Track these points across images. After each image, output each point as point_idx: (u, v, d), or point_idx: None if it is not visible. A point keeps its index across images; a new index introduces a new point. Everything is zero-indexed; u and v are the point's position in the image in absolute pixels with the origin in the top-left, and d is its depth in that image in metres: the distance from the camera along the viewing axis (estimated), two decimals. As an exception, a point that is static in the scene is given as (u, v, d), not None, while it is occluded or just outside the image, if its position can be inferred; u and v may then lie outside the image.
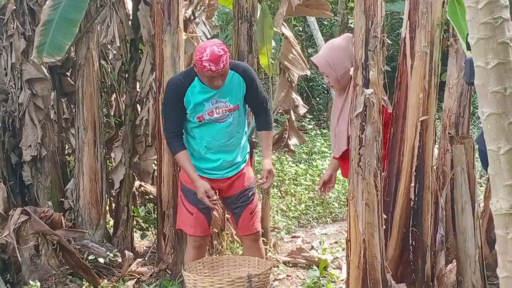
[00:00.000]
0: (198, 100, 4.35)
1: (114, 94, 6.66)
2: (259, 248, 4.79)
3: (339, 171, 4.73)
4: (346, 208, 4.68)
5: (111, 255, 5.48)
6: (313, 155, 10.10)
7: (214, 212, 5.07)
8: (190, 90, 4.34)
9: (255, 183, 4.77)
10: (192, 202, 4.50)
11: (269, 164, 4.68)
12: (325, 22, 14.73)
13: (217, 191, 4.58)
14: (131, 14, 5.94)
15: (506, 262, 2.10)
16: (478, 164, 7.26)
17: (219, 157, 4.47)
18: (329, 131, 11.67)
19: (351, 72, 3.75)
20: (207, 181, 4.48)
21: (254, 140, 5.26)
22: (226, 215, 5.41)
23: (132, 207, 6.09)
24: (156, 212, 5.85)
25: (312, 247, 6.58)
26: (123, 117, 6.16)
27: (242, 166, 4.63)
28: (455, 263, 4.42)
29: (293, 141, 6.81)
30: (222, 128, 4.43)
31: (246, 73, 4.48)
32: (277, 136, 6.89)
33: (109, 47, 6.65)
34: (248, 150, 4.74)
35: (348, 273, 3.85)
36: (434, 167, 4.15)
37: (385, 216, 3.76)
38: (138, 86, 5.95)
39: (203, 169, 4.50)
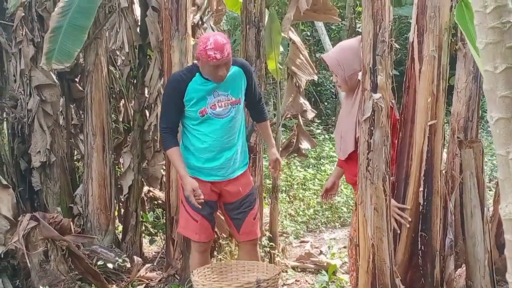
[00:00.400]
0: (200, 93, 4.35)
1: (123, 100, 6.68)
2: (257, 252, 4.80)
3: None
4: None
5: (120, 260, 5.49)
6: (322, 160, 10.11)
7: (222, 217, 5.06)
8: (192, 85, 4.35)
9: (255, 188, 4.80)
10: (196, 208, 4.47)
11: (275, 153, 4.84)
12: (333, 27, 14.75)
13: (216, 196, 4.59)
14: (139, 20, 5.96)
15: (515, 267, 2.10)
16: (487, 168, 7.21)
17: (222, 154, 4.47)
18: (337, 135, 11.70)
19: (360, 75, 3.74)
20: (209, 185, 4.49)
21: (252, 145, 5.25)
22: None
23: (141, 212, 6.11)
24: (164, 217, 5.87)
25: (321, 252, 6.57)
26: (131, 123, 6.18)
27: (244, 169, 4.65)
28: (464, 268, 4.40)
29: (304, 145, 6.82)
30: (225, 123, 4.43)
31: (245, 66, 4.55)
32: (285, 141, 6.90)
33: (117, 53, 6.68)
34: (247, 153, 4.76)
35: (356, 278, 3.84)
36: (443, 172, 4.13)
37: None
38: (146, 91, 5.97)
39: (207, 170, 4.49)
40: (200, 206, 4.39)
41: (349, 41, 4.23)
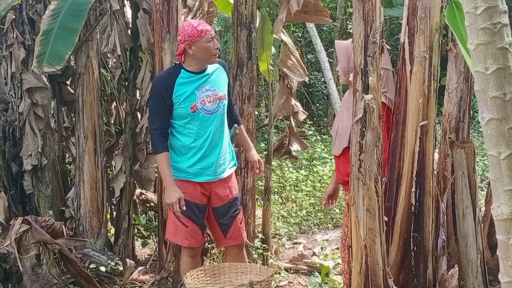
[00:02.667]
0: (188, 89, 4.38)
1: (114, 102, 6.66)
2: (244, 256, 4.79)
3: None
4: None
5: (113, 263, 5.48)
6: (314, 161, 10.11)
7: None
8: (179, 81, 4.38)
9: (239, 192, 4.85)
10: (186, 214, 4.43)
11: (256, 154, 4.90)
12: (324, 28, 14.77)
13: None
14: (130, 23, 5.95)
15: (507, 267, 2.10)
16: (478, 168, 7.22)
17: (212, 152, 4.47)
18: (329, 136, 11.71)
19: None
20: (200, 188, 4.48)
21: (235, 148, 5.24)
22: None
23: (133, 215, 6.08)
24: (157, 220, 5.85)
25: (314, 253, 6.57)
26: (123, 125, 6.16)
27: (233, 170, 4.67)
28: (457, 268, 4.41)
29: (294, 147, 6.81)
30: (215, 119, 4.45)
31: (225, 66, 4.67)
32: (277, 143, 6.90)
33: (109, 55, 6.65)
34: (234, 154, 4.77)
35: (349, 279, 3.84)
36: (435, 172, 4.15)
37: (385, 218, 3.77)
38: (138, 94, 5.96)
39: (198, 170, 4.46)
40: (179, 215, 4.40)
41: None
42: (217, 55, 4.42)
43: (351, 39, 4.38)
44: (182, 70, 4.40)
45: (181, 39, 4.34)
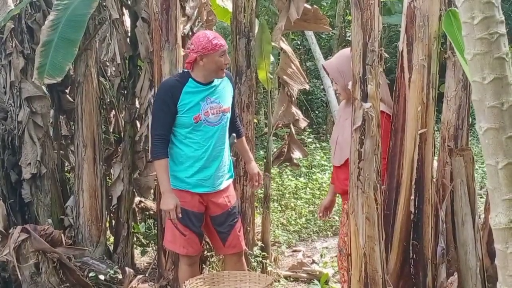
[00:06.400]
0: (193, 100, 4.37)
1: (113, 110, 6.66)
2: (243, 264, 4.80)
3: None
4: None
5: (112, 272, 5.47)
6: (313, 169, 10.11)
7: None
8: (185, 90, 4.38)
9: (238, 201, 4.86)
10: (184, 222, 4.45)
11: (256, 167, 4.92)
12: (323, 36, 14.80)
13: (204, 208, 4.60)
14: (129, 31, 5.96)
15: (506, 277, 2.10)
16: (478, 176, 7.21)
17: (212, 164, 4.47)
18: (329, 144, 11.69)
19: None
20: (198, 197, 4.49)
21: (233, 157, 5.24)
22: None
23: (132, 223, 6.08)
24: (156, 228, 5.85)
25: (313, 261, 6.57)
26: (122, 134, 6.16)
27: (230, 181, 4.69)
28: (456, 276, 4.40)
29: (296, 155, 6.82)
30: (217, 132, 4.45)
31: (231, 78, 4.71)
32: (277, 150, 6.90)
33: (107, 64, 6.66)
34: (232, 165, 4.78)
35: (349, 287, 3.84)
36: (434, 180, 4.15)
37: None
38: (137, 102, 5.96)
39: (196, 181, 4.47)
40: (175, 221, 4.40)
41: (349, 49, 4.25)
42: (226, 68, 4.44)
43: (336, 54, 4.42)
44: (190, 79, 4.40)
45: (194, 49, 4.33)
